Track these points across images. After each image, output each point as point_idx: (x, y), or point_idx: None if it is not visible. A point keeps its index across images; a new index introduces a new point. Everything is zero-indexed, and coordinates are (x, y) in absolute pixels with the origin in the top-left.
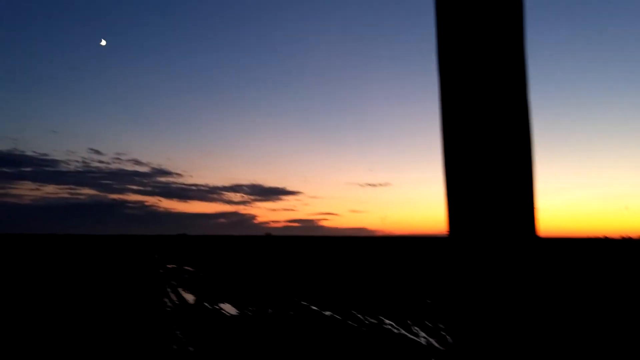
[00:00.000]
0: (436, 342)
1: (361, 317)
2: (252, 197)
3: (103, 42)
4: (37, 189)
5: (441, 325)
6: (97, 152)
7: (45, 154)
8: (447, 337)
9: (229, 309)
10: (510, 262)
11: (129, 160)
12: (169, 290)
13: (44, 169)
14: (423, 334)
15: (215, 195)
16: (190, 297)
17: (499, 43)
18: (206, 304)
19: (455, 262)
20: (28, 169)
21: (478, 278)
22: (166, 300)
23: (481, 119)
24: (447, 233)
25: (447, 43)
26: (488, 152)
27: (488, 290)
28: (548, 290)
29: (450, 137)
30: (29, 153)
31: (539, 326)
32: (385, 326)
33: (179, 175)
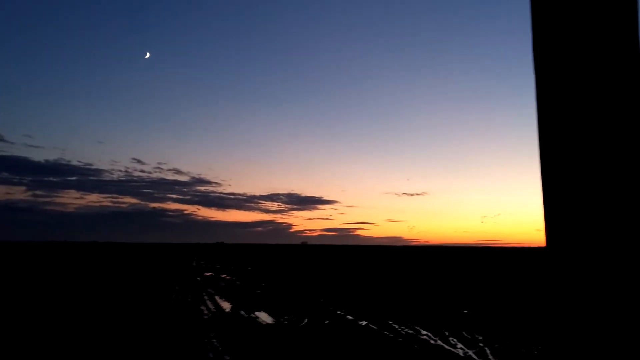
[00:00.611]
0: (474, 353)
1: (397, 328)
2: (288, 206)
3: (147, 55)
4: (81, 198)
5: (479, 337)
6: (140, 161)
7: (89, 164)
8: (486, 348)
9: (264, 317)
10: (624, 278)
11: (169, 170)
12: (206, 298)
13: (88, 178)
14: (460, 345)
15: (252, 204)
16: (226, 306)
17: (610, 35)
18: (242, 313)
19: (557, 275)
20: (73, 178)
21: (585, 294)
22: (203, 308)
23: (591, 118)
24: (545, 243)
25: (548, 38)
26: (600, 156)
27: (596, 307)
28: None
29: (554, 141)
30: (75, 163)
31: None
32: (421, 337)
33: (217, 184)
